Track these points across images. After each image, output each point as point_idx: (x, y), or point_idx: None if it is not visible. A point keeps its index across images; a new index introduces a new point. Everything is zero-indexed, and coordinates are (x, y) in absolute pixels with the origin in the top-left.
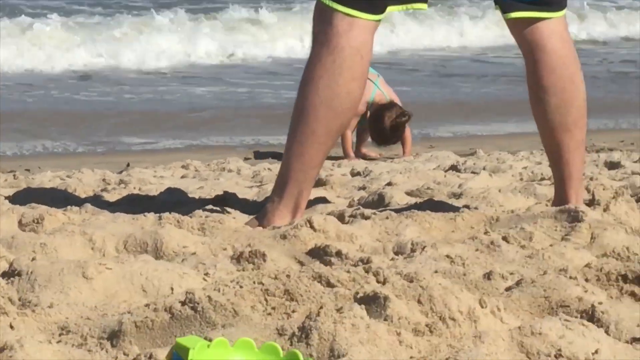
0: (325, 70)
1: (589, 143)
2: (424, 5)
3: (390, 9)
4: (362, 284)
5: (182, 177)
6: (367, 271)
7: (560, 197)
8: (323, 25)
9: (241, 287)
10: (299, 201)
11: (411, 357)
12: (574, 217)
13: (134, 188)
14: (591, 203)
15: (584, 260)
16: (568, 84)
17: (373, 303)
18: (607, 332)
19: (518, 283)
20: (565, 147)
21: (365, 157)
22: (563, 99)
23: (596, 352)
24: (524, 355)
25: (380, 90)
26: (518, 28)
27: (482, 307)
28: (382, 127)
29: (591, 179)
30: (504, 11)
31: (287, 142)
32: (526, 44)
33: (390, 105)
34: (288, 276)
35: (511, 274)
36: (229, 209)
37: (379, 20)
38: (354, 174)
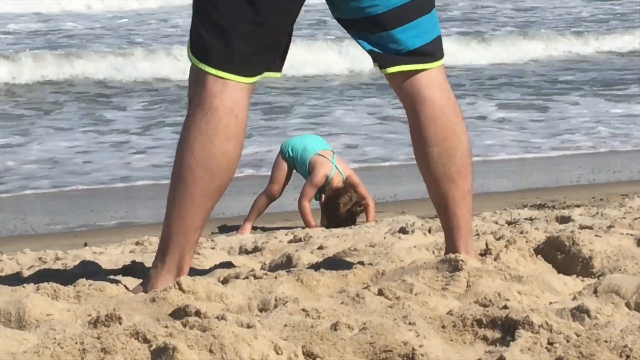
0: (200, 131)
1: (561, 201)
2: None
3: (265, 75)
4: (175, 337)
5: (130, 252)
6: (184, 325)
7: (450, 249)
8: (197, 88)
9: (62, 348)
10: (182, 265)
11: None
12: (454, 267)
13: (62, 265)
14: (484, 253)
15: (449, 308)
16: (449, 133)
17: (163, 354)
18: None
19: (360, 331)
20: (451, 197)
21: (328, 226)
22: (445, 148)
23: None
24: None
25: (337, 169)
26: (397, 81)
27: (277, 353)
28: (337, 214)
29: (521, 232)
30: (381, 66)
31: (167, 206)
32: (406, 96)
33: (346, 190)
34: (110, 334)
35: (363, 324)
36: (121, 277)
37: (254, 82)
38: (295, 240)
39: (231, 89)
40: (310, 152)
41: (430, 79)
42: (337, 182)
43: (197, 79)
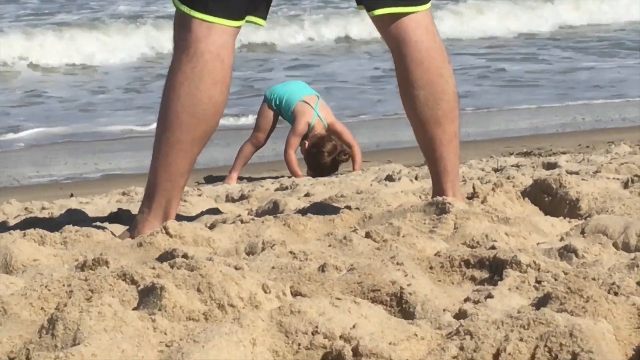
0: (186, 76)
1: (547, 148)
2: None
3: (249, 18)
4: (163, 277)
5: (117, 201)
6: (172, 266)
7: (437, 192)
8: (183, 33)
9: (49, 290)
10: (168, 210)
11: (160, 342)
12: (442, 210)
13: (48, 214)
14: (472, 196)
15: (436, 249)
16: (436, 77)
17: (151, 294)
18: (413, 312)
19: (348, 272)
20: (438, 141)
21: (314, 175)
22: (432, 92)
23: (354, 327)
24: (283, 334)
25: (319, 117)
26: (383, 24)
27: (265, 292)
28: (320, 163)
29: (508, 177)
30: (368, 9)
31: (153, 152)
32: (392, 40)
33: (330, 138)
34: (98, 276)
35: (351, 265)
36: (108, 224)
37: (239, 26)
38: (282, 188)
39: (217, 33)
40: (294, 99)
41: (417, 21)
42: (319, 129)
43: (182, 24)
